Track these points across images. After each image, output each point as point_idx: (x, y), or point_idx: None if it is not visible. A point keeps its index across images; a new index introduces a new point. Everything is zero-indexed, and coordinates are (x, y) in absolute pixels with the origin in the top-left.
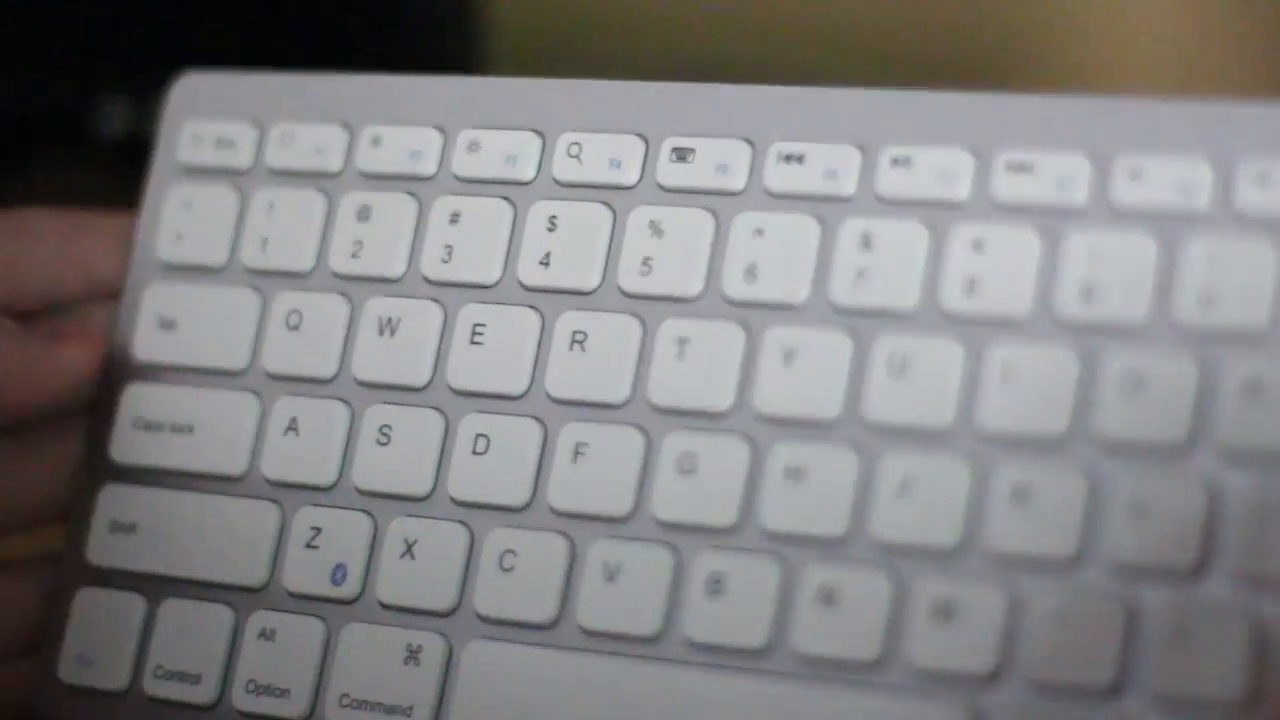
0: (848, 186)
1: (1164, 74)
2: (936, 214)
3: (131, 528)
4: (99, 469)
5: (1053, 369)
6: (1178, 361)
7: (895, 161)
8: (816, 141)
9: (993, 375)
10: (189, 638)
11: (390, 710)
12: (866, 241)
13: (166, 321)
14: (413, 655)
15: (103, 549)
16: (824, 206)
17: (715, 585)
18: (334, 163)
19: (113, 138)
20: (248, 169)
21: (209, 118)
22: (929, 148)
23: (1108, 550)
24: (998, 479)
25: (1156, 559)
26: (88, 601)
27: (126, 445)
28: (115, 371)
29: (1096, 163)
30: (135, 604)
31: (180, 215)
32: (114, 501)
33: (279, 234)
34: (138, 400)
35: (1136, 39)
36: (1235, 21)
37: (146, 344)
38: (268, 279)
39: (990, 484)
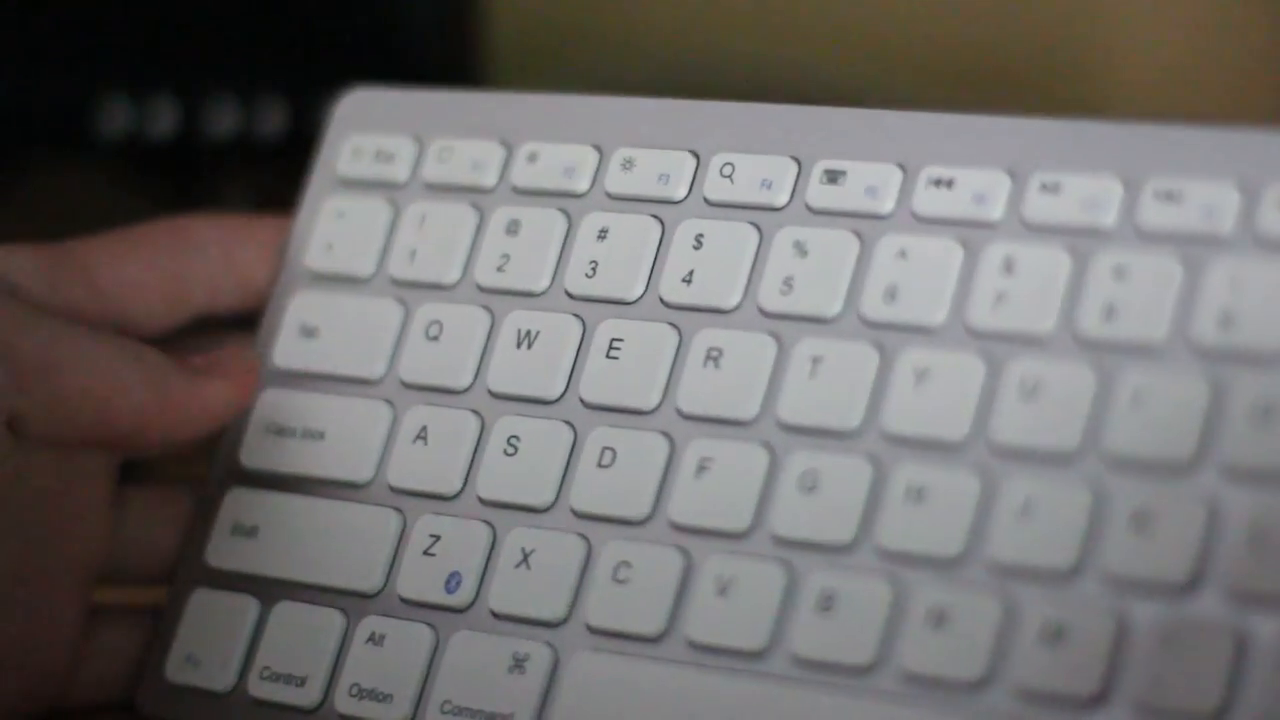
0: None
1: (1193, 97)
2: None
3: (253, 531)
4: (229, 472)
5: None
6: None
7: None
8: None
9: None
10: (298, 640)
11: (490, 717)
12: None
13: (308, 329)
14: (518, 664)
15: (222, 551)
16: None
17: (826, 602)
18: (489, 178)
19: (113, 138)
20: (404, 182)
21: (371, 131)
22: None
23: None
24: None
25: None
26: (202, 602)
27: (257, 450)
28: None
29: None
30: (249, 606)
31: (333, 225)
32: (239, 504)
33: (428, 246)
34: (273, 406)
35: (1167, 61)
36: (1266, 47)
37: (287, 351)
38: (413, 290)
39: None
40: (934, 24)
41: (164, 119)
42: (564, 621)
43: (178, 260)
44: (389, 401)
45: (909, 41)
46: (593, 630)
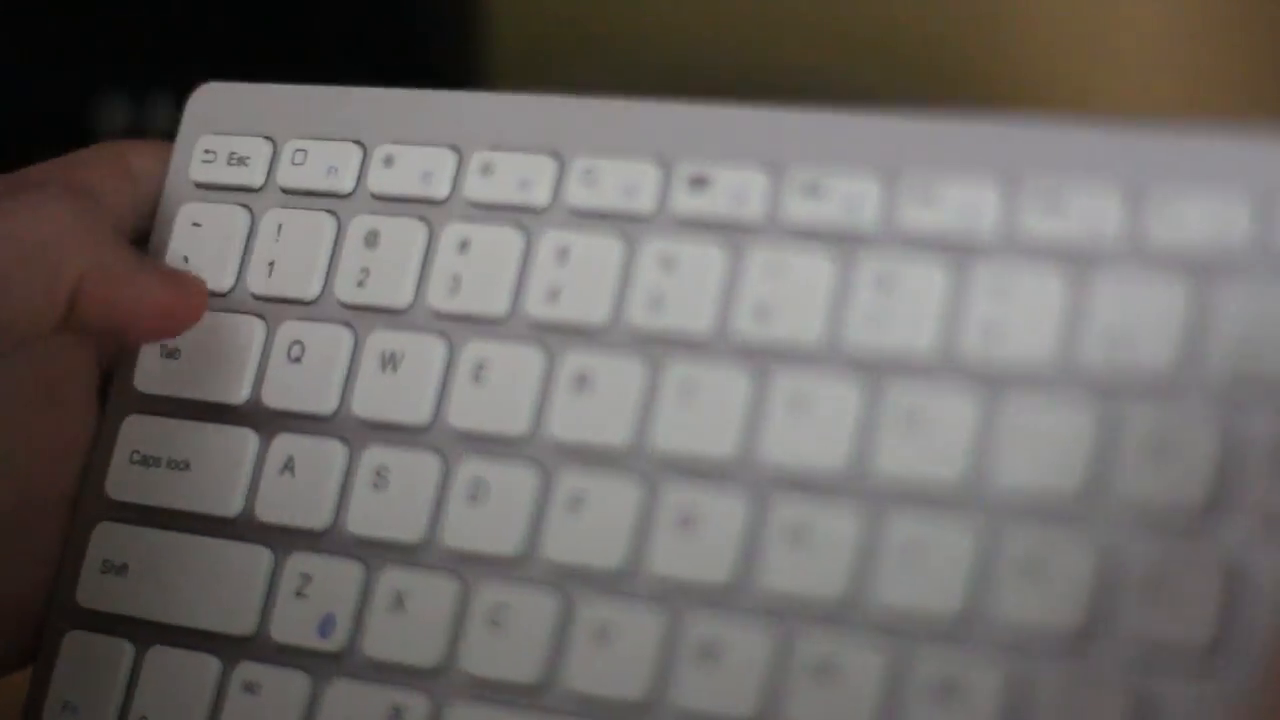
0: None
1: (1169, 92)
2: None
3: (123, 569)
4: (96, 504)
5: (1067, 425)
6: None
7: (919, 198)
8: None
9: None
10: (173, 687)
11: None
12: (881, 281)
13: (169, 349)
14: (396, 715)
15: (92, 590)
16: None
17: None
18: (345, 183)
19: (112, 137)
20: (259, 187)
21: (223, 131)
22: (950, 181)
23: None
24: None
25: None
26: (76, 645)
27: (123, 481)
28: (115, 401)
29: (1128, 202)
30: (123, 649)
31: (189, 236)
32: (107, 540)
33: (286, 258)
34: (137, 433)
35: (1141, 55)
36: (1242, 41)
37: (147, 373)
38: (273, 306)
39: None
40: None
41: (164, 118)
42: (441, 669)
43: (119, 184)
44: (254, 429)
45: (868, 34)
46: (473, 678)
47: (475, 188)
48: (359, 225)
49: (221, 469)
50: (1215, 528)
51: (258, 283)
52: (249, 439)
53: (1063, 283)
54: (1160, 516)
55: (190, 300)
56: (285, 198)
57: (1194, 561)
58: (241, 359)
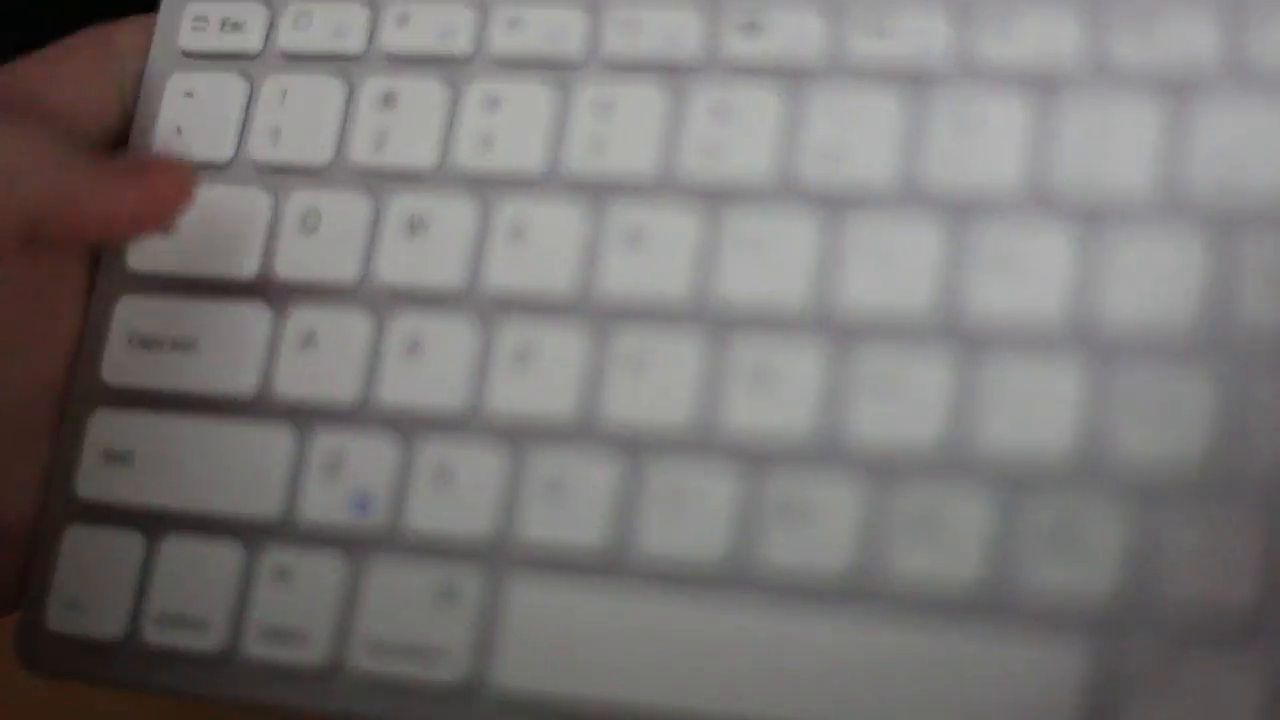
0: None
1: None
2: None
3: (128, 457)
4: (89, 391)
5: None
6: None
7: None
8: None
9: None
10: (194, 579)
11: (426, 655)
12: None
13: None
14: (449, 594)
15: (94, 481)
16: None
17: (794, 513)
18: (354, 44)
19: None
20: (257, 53)
21: None
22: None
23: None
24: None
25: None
26: (78, 540)
27: (122, 364)
28: (105, 283)
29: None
30: (132, 542)
31: (181, 106)
32: (107, 428)
33: (293, 124)
34: (134, 314)
35: None
36: None
37: (143, 251)
38: (280, 176)
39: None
40: None
41: None
42: (495, 542)
43: (105, 66)
44: (267, 302)
45: None
46: (529, 548)
47: (501, 41)
48: (373, 87)
49: (233, 346)
50: None
51: (261, 151)
52: (262, 314)
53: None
54: None
55: (170, 190)
56: (287, 62)
57: None
58: (247, 231)
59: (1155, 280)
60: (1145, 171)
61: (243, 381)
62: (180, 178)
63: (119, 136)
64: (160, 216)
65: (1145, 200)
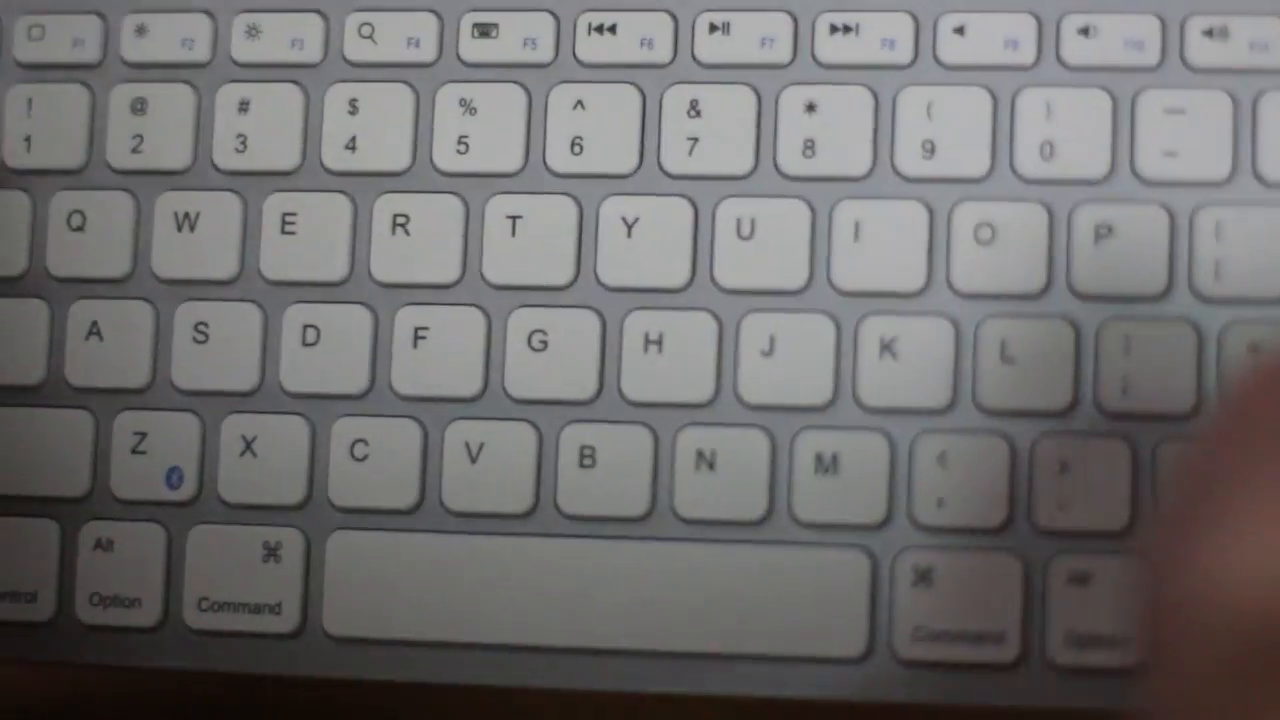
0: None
1: None
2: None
3: None
4: None
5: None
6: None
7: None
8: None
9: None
10: (14, 554)
11: (255, 609)
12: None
13: None
14: (271, 552)
15: None
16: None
17: (587, 458)
18: (91, 54)
19: None
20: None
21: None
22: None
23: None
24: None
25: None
26: None
27: None
28: None
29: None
30: None
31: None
32: None
33: (44, 129)
34: None
35: None
36: None
37: None
38: (36, 179)
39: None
40: None
41: None
42: (305, 503)
43: None
44: (43, 298)
45: None
46: (339, 509)
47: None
48: (121, 94)
49: (15, 340)
50: None
51: (13, 156)
52: (39, 308)
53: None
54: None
55: None
56: (26, 72)
57: None
58: (12, 232)
59: None
60: None
61: (31, 372)
62: None
63: None
64: None
65: None
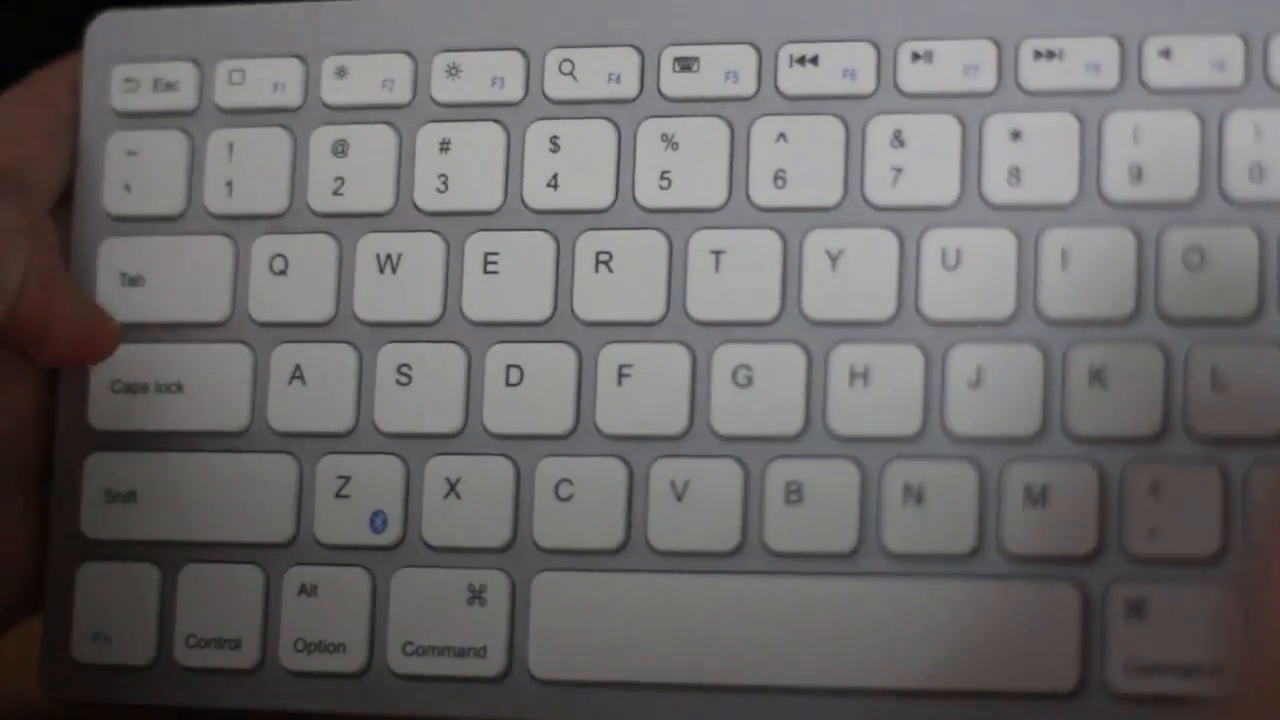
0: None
1: None
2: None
3: (130, 496)
4: (80, 437)
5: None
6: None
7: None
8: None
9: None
10: (218, 602)
11: (461, 653)
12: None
13: (131, 278)
14: (476, 595)
15: (99, 521)
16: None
17: (793, 493)
18: (293, 98)
19: None
20: (193, 109)
21: (139, 60)
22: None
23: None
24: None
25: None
26: (93, 576)
27: (108, 411)
28: None
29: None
30: (148, 573)
31: (124, 165)
32: (104, 470)
33: (245, 175)
34: (111, 362)
35: None
36: None
37: (111, 302)
38: (238, 224)
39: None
40: None
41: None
42: (510, 545)
43: (46, 124)
44: (244, 343)
45: None
46: (544, 550)
47: (441, 89)
48: (322, 136)
49: (220, 385)
50: None
51: (217, 203)
52: (242, 353)
53: None
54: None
55: (109, 328)
56: (226, 117)
57: None
58: (214, 277)
59: None
60: None
61: (236, 417)
62: (113, 322)
63: (63, 194)
64: (102, 349)
65: None
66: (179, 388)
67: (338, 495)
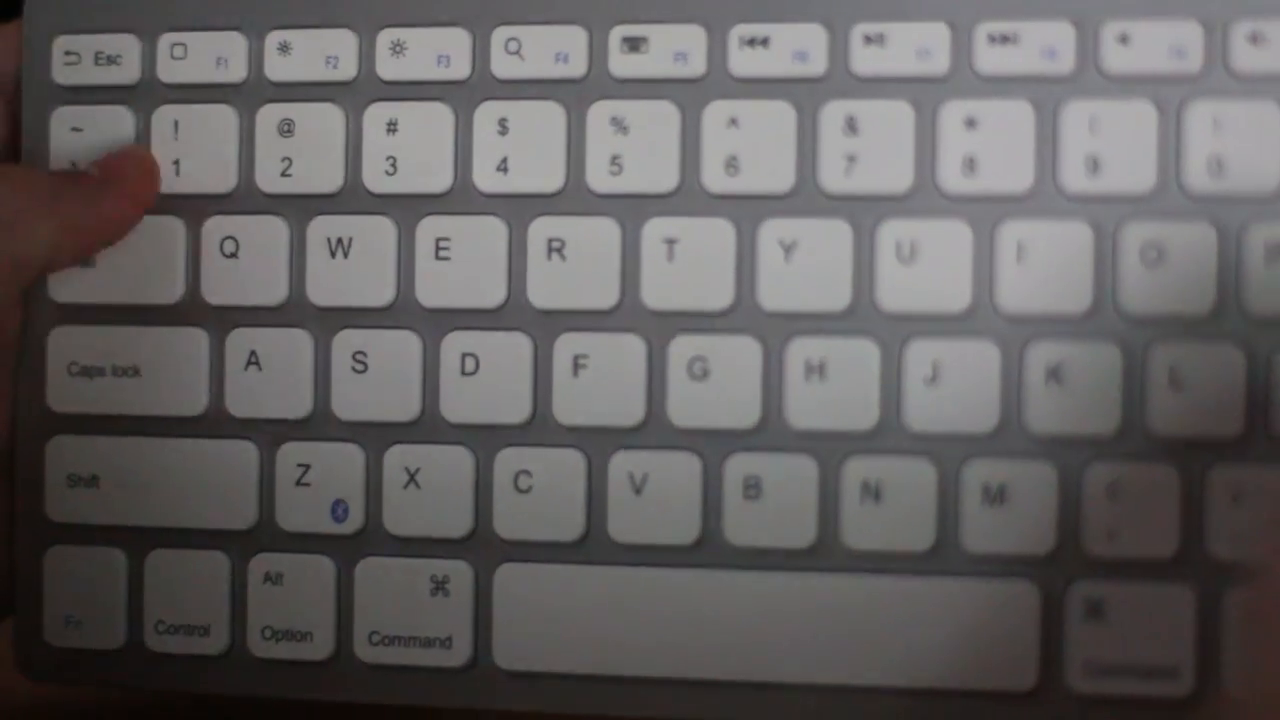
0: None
1: None
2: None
3: (93, 480)
4: (39, 420)
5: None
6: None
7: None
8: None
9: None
10: (186, 588)
11: (427, 643)
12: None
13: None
14: (440, 586)
15: (63, 504)
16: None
17: (751, 488)
18: (236, 73)
19: None
20: (135, 84)
21: (80, 30)
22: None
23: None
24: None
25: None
26: (60, 560)
27: (66, 393)
28: (34, 316)
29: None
30: (114, 558)
31: (69, 141)
32: (66, 453)
33: (193, 154)
34: (67, 344)
35: None
36: None
37: (64, 284)
38: (188, 202)
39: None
40: None
41: None
42: (472, 536)
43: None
44: (200, 327)
45: None
46: (506, 541)
47: (386, 67)
48: (268, 114)
49: (176, 370)
50: None
51: (164, 181)
52: (199, 337)
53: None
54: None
55: (146, 179)
56: (170, 92)
57: None
58: (166, 259)
59: None
60: None
61: (195, 402)
62: (148, 168)
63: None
64: (140, 216)
65: None
66: (135, 371)
67: (298, 483)
